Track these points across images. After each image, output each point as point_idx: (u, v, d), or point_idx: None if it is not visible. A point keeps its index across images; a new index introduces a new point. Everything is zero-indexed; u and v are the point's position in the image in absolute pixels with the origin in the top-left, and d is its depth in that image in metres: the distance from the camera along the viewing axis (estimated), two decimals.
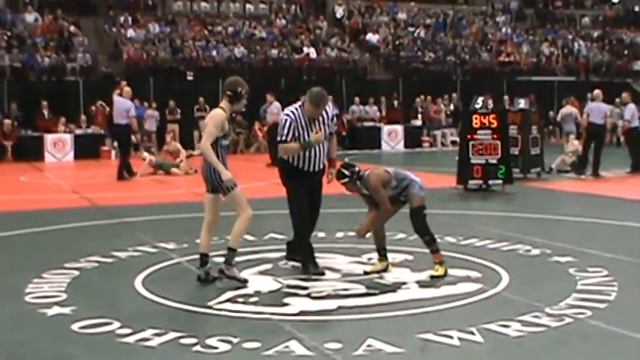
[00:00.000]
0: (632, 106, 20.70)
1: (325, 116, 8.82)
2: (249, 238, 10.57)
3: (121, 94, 19.77)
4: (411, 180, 8.64)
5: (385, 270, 8.73)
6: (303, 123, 8.64)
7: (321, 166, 8.90)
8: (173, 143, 22.21)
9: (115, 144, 27.18)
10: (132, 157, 20.62)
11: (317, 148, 8.73)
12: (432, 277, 8.44)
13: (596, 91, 20.08)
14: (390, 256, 8.95)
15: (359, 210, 8.68)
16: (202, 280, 8.34)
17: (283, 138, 8.63)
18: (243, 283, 8.19)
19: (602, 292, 7.74)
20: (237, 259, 8.49)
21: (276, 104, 22.61)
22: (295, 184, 8.81)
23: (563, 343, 6.25)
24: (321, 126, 8.75)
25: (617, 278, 8.28)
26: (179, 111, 29.65)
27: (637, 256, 9.48)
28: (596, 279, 8.29)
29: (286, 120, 8.66)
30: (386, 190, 8.56)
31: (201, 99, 29.64)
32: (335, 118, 9.11)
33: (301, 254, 8.99)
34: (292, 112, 8.70)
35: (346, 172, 8.61)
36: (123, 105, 19.46)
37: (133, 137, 21.51)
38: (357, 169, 8.68)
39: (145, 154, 22.58)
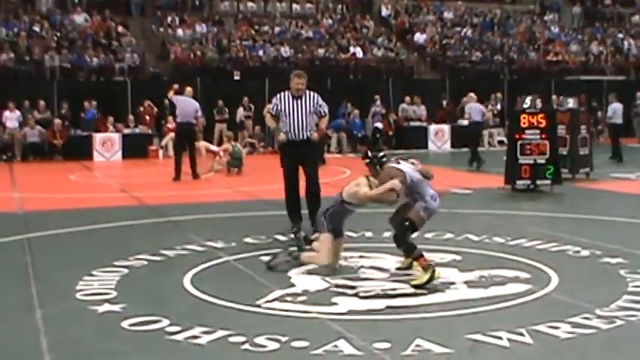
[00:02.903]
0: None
1: (310, 97, 11.12)
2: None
3: (181, 94, 19.87)
4: (423, 197, 8.39)
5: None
6: (286, 100, 11.06)
7: (305, 137, 11.02)
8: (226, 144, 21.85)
9: (163, 143, 27.46)
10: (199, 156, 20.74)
11: (298, 120, 10.97)
12: (414, 286, 8.01)
13: (471, 94, 23.24)
14: (438, 256, 8.91)
15: None
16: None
17: (270, 110, 11.42)
18: None
19: None
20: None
21: None
22: (284, 154, 11.21)
23: (615, 345, 6.19)
24: (306, 103, 11.04)
25: None
26: (227, 110, 29.55)
27: None
28: None
29: (275, 98, 11.28)
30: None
31: (245, 98, 29.62)
32: (322, 105, 11.28)
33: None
34: (280, 92, 11.25)
35: (369, 154, 8.77)
36: (191, 104, 19.53)
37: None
38: (381, 154, 8.73)
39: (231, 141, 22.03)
